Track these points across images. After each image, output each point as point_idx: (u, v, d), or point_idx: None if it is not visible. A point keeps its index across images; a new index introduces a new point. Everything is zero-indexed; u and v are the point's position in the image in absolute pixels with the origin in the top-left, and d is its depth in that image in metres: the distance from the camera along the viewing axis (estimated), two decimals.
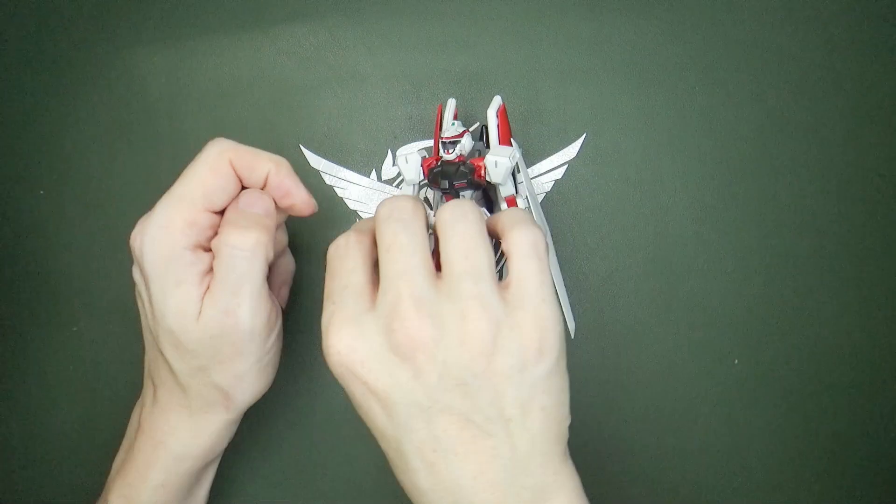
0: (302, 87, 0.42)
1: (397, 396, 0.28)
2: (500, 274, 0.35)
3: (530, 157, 0.41)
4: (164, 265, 0.31)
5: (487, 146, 0.36)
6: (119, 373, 0.42)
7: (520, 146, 0.36)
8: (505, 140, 0.36)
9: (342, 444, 0.42)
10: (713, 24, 0.41)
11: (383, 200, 0.30)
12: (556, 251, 0.40)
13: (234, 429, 0.36)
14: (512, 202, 0.36)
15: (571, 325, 0.37)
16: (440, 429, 0.28)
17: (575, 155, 0.41)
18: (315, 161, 0.41)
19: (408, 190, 0.36)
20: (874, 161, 0.40)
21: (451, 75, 0.41)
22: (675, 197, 0.41)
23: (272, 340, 0.34)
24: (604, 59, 0.41)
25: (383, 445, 0.30)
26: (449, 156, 0.35)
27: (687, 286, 0.41)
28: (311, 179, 0.41)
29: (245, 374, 0.33)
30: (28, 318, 0.43)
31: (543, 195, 0.41)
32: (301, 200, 0.34)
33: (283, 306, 0.37)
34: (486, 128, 0.36)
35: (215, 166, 0.32)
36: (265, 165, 0.33)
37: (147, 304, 0.32)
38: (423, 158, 0.35)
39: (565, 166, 0.41)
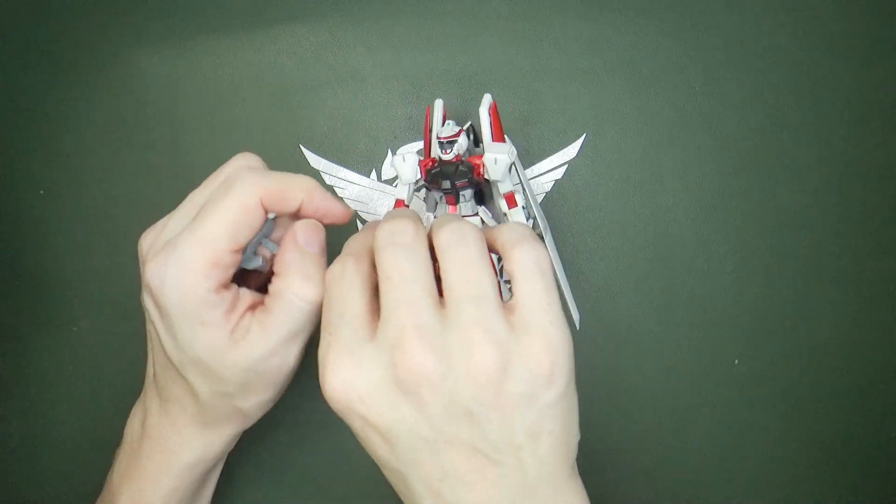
0: (302, 87, 0.42)
1: (400, 431, 0.27)
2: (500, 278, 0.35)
3: (530, 157, 0.41)
4: (187, 307, 0.30)
5: (476, 145, 0.36)
6: (119, 373, 0.42)
7: (514, 144, 0.36)
8: (498, 137, 0.36)
9: (342, 445, 0.42)
10: (713, 24, 0.41)
11: (382, 222, 0.29)
12: (557, 251, 0.40)
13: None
14: (511, 199, 0.36)
15: (576, 316, 0.37)
16: (447, 459, 0.27)
17: (575, 155, 0.41)
18: (315, 161, 0.41)
19: (403, 190, 0.36)
20: (874, 161, 0.40)
21: (451, 75, 0.41)
22: (676, 197, 0.41)
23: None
24: (604, 60, 0.41)
25: (386, 473, 0.29)
26: (447, 155, 0.34)
27: (687, 286, 0.41)
28: None
29: (270, 400, 0.33)
30: (28, 318, 0.43)
31: (543, 195, 0.41)
32: (338, 217, 0.33)
33: None
34: (474, 127, 0.36)
35: (246, 206, 0.30)
36: (297, 196, 0.31)
37: (165, 335, 0.31)
38: (420, 160, 0.35)
39: (565, 166, 0.41)
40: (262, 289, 0.33)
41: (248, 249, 0.32)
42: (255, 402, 0.33)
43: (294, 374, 0.33)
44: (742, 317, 0.41)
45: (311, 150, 0.41)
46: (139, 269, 0.33)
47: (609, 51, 0.41)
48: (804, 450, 0.41)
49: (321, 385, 0.27)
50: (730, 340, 0.41)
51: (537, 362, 0.26)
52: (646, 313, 0.41)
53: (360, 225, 0.41)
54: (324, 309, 0.29)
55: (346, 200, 0.41)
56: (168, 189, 0.42)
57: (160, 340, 0.32)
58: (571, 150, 0.41)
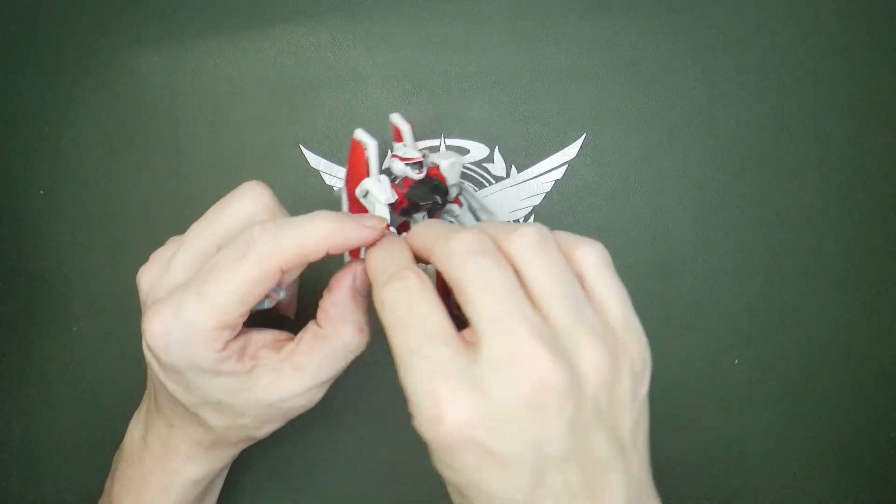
0: (302, 87, 0.42)
1: (528, 454, 0.24)
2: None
3: (530, 157, 0.41)
4: (197, 365, 0.29)
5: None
6: (119, 373, 0.42)
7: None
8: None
9: (342, 445, 0.42)
10: (713, 24, 0.41)
11: (439, 235, 0.27)
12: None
13: None
14: (458, 200, 0.37)
15: None
16: (570, 473, 0.24)
17: (575, 155, 0.41)
18: (315, 161, 0.41)
19: (384, 211, 0.33)
20: (874, 161, 0.40)
21: (451, 75, 0.41)
22: (676, 197, 0.41)
23: None
24: (604, 59, 0.41)
25: None
26: (419, 175, 0.34)
27: (687, 286, 0.41)
28: (310, 179, 0.41)
29: (279, 428, 0.33)
30: (28, 318, 0.42)
31: (543, 195, 0.41)
32: (367, 242, 0.30)
33: (292, 316, 0.37)
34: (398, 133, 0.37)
35: (262, 276, 0.28)
36: (317, 255, 0.29)
37: (172, 384, 0.30)
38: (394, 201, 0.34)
39: (565, 166, 0.41)
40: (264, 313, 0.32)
41: None
42: (270, 430, 0.33)
43: None
44: (742, 317, 0.41)
45: (311, 150, 0.41)
46: (137, 275, 0.32)
47: (609, 51, 0.41)
48: (804, 450, 0.41)
49: (435, 422, 0.24)
50: (730, 340, 0.41)
51: (636, 357, 0.27)
52: (645, 313, 0.41)
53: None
54: (398, 330, 0.26)
55: None
56: (168, 189, 0.42)
57: (165, 387, 0.31)
58: (571, 150, 0.41)
